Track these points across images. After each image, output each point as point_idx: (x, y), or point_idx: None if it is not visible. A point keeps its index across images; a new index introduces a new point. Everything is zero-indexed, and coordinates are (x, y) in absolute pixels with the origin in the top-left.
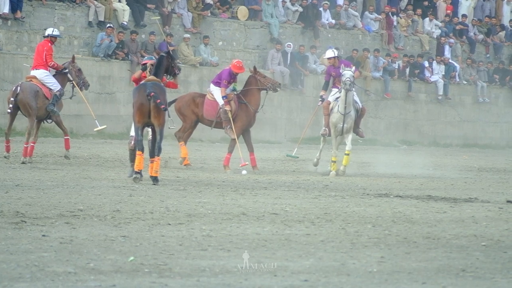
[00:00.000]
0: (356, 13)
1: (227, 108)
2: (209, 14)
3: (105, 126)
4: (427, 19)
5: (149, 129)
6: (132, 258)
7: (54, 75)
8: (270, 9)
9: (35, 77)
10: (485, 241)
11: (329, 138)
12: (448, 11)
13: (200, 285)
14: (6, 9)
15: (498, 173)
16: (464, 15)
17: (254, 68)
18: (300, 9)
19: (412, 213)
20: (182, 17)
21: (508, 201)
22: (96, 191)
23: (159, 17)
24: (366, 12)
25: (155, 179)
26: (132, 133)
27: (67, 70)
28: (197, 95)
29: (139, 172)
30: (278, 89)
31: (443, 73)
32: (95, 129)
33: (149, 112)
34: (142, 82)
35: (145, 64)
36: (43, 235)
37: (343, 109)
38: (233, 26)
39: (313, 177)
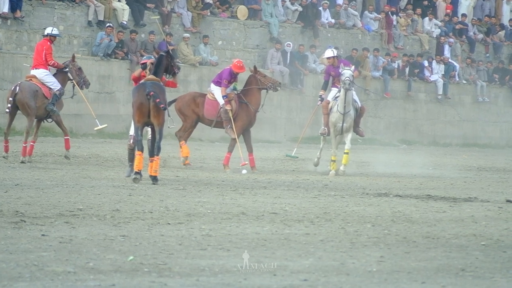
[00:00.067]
0: (356, 13)
1: (228, 107)
2: (209, 14)
3: (106, 125)
4: (426, 18)
5: (149, 129)
6: (131, 257)
7: (54, 74)
8: (270, 8)
9: (35, 77)
10: (484, 240)
11: (329, 138)
12: (448, 11)
13: (199, 285)
14: (5, 9)
15: (498, 172)
16: (463, 15)
17: (255, 67)
18: (300, 9)
19: (412, 213)
20: (182, 16)
21: (507, 201)
22: (96, 190)
23: (158, 17)
24: (366, 12)
25: (154, 179)
26: (132, 132)
27: (67, 69)
28: (198, 95)
29: (139, 173)
30: (279, 89)
31: (443, 73)
32: (95, 128)
33: (148, 112)
34: (142, 81)
35: (144, 63)
36: (43, 235)
37: (342, 109)
38: (232, 26)
39: (313, 177)
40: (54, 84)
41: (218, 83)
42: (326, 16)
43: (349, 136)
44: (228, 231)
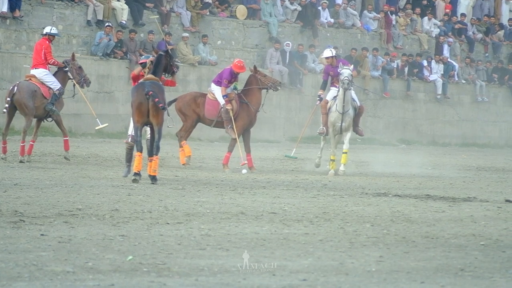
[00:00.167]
0: (355, 12)
1: (228, 107)
2: (208, 13)
3: (106, 124)
4: (426, 18)
5: (147, 128)
6: (130, 257)
7: (54, 74)
8: (269, 8)
9: (34, 76)
10: (483, 240)
11: (329, 138)
12: (447, 10)
13: (198, 285)
14: (4, 8)
15: (497, 172)
16: (463, 14)
17: (255, 67)
18: (299, 8)
19: (411, 213)
20: (181, 16)
21: (506, 200)
22: (95, 190)
23: (157, 16)
24: (365, 11)
25: (153, 178)
26: (130, 131)
27: (67, 69)
28: (198, 95)
29: (138, 173)
30: (279, 88)
31: (442, 72)
32: (96, 128)
33: (148, 111)
34: (141, 81)
35: (144, 62)
36: (42, 234)
37: (341, 108)
38: (232, 25)
39: (312, 176)
40: (54, 83)
41: (218, 83)
42: (325, 16)
43: (348, 136)
44: (227, 231)
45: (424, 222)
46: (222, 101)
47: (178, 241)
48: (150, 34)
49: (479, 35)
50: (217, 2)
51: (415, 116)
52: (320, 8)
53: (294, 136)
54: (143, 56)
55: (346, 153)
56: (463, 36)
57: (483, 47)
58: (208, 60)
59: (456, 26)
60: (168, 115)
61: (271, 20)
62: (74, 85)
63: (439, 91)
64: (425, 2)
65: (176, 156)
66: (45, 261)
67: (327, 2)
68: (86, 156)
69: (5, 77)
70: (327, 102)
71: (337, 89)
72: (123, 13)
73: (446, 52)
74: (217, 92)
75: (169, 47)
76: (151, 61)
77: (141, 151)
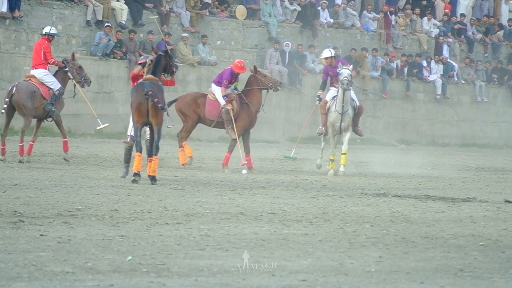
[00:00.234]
0: (355, 12)
1: (229, 107)
2: (207, 13)
3: (107, 124)
4: (425, 18)
5: (147, 129)
6: (130, 257)
7: (54, 74)
8: (268, 8)
9: (34, 77)
10: (483, 240)
11: (329, 138)
12: (447, 11)
13: (198, 285)
14: (4, 8)
15: (496, 172)
16: (462, 15)
17: (255, 67)
18: (299, 8)
19: (410, 213)
20: (180, 16)
21: (506, 201)
22: (94, 190)
23: (157, 16)
24: (365, 12)
25: (153, 179)
26: (129, 132)
27: (67, 69)
28: (199, 95)
29: (138, 174)
30: (279, 88)
31: (441, 73)
32: (97, 128)
33: (147, 111)
34: (140, 81)
35: (143, 62)
36: (41, 235)
37: (340, 108)
38: (231, 25)
39: (311, 177)
40: (54, 83)
41: (219, 83)
42: (324, 16)
43: (347, 136)
44: (226, 231)
45: (423, 222)
46: (222, 101)
47: (177, 241)
48: (149, 34)
49: (479, 36)
50: (216, 2)
51: (415, 116)
52: (319, 8)
53: (293, 136)
54: (142, 57)
55: (345, 154)
56: (462, 37)
57: (482, 48)
58: (208, 60)
59: (456, 27)
60: (168, 115)
61: (270, 20)
62: (74, 85)
63: (439, 91)
64: (424, 3)
65: (176, 156)
66: (44, 261)
67: (327, 2)
68: (86, 157)
69: (5, 78)
70: (326, 102)
71: (337, 89)
72: (123, 13)
73: (445, 52)
74: (218, 92)
75: (169, 47)
76: (151, 60)
77: (140, 152)
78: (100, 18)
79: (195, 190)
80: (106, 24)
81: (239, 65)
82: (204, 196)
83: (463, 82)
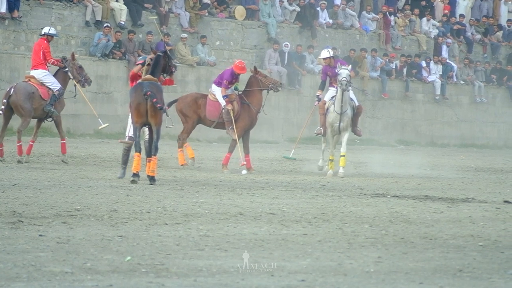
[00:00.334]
0: (354, 13)
1: (229, 107)
2: (207, 14)
3: (107, 124)
4: (424, 19)
5: (146, 129)
6: (129, 258)
7: (54, 75)
8: (268, 8)
9: (33, 77)
10: (482, 241)
11: (328, 138)
12: (446, 11)
13: (197, 285)
14: (3, 9)
15: (496, 173)
16: (461, 15)
17: (255, 68)
18: (298, 9)
19: (409, 213)
20: (180, 16)
21: (505, 201)
22: (93, 191)
23: (156, 17)
24: (364, 12)
25: (152, 179)
26: (128, 132)
27: (67, 69)
28: (199, 96)
29: (137, 174)
30: (280, 89)
31: (441, 73)
32: (99, 127)
33: (146, 112)
34: (139, 81)
35: (142, 62)
36: (40, 235)
37: (339, 108)
38: (230, 26)
39: (311, 177)
40: (54, 84)
41: (219, 83)
42: (324, 17)
43: (346, 136)
44: (225, 232)
45: (422, 223)
46: (222, 102)
47: (176, 241)
48: (148, 34)
49: (478, 36)
50: (215, 3)
51: (414, 116)
52: (318, 8)
53: (292, 136)
54: (141, 57)
55: (344, 156)
56: (461, 37)
57: (481, 48)
58: (207, 60)
59: (455, 27)
60: (167, 115)
61: (269, 20)
62: (75, 85)
63: (438, 91)
64: (423, 3)
65: (175, 156)
66: (43, 261)
67: (326, 2)
68: (85, 157)
69: (4, 78)
70: (325, 103)
71: (335, 90)
72: (122, 13)
73: (444, 53)
74: (218, 93)
75: (168, 48)
76: (151, 59)
77: (139, 152)
78: (99, 19)
79: (194, 191)
80: (105, 24)
81: (240, 65)
82: (203, 197)
83: (462, 82)
